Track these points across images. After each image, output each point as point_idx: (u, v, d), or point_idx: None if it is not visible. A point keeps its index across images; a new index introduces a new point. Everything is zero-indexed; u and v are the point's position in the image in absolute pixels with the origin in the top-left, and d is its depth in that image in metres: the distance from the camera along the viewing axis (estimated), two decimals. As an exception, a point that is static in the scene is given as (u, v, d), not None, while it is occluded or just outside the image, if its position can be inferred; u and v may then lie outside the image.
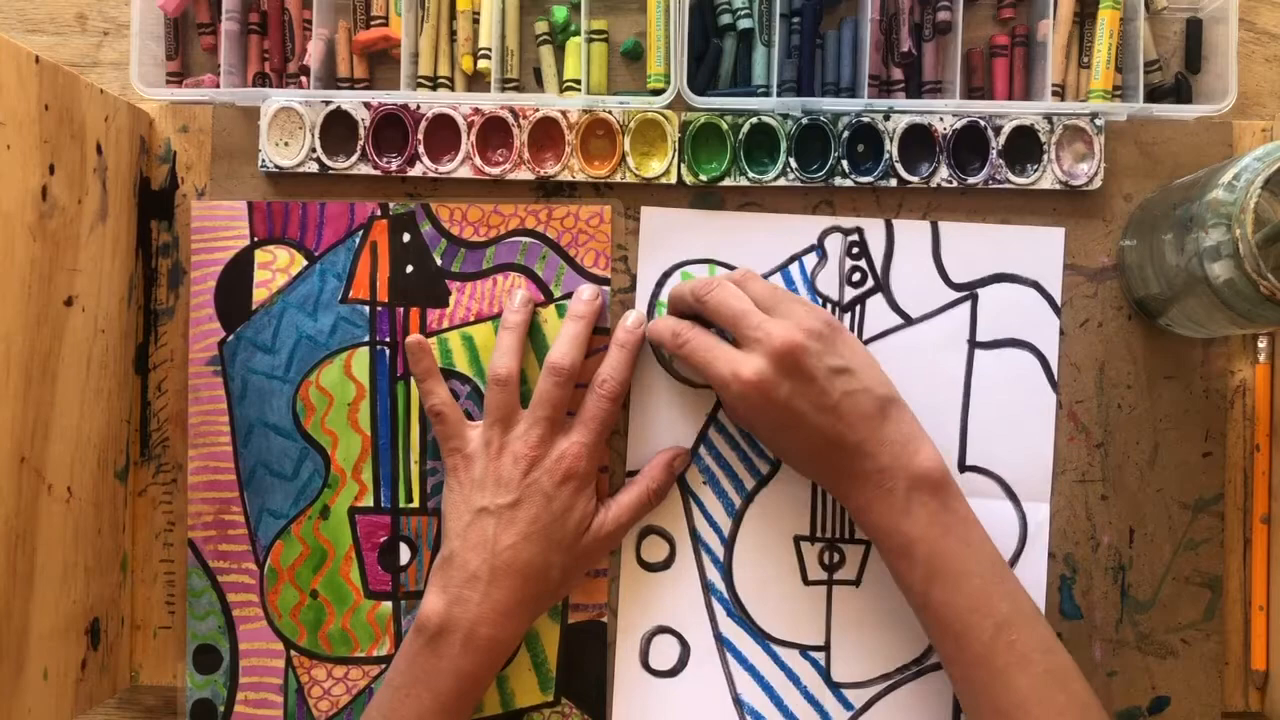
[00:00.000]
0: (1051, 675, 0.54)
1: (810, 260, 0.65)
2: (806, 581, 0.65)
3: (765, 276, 0.65)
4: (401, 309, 0.66)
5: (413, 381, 0.65)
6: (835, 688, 0.65)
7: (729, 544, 0.65)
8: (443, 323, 0.66)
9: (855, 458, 0.57)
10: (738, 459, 0.65)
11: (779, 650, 0.65)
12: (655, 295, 0.66)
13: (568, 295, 0.65)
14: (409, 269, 0.66)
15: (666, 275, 0.66)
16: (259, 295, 0.66)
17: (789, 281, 0.65)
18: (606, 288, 0.66)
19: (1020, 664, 0.54)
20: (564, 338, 0.63)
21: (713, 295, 0.60)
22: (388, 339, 0.66)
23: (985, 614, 0.55)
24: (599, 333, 0.65)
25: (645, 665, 0.65)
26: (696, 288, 0.61)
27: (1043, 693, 0.54)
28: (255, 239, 0.67)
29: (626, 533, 0.65)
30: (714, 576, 0.65)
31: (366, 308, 0.66)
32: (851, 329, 0.65)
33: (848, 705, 0.65)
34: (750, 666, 0.65)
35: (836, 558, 0.65)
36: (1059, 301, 0.65)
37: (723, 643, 0.65)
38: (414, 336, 0.64)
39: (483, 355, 0.65)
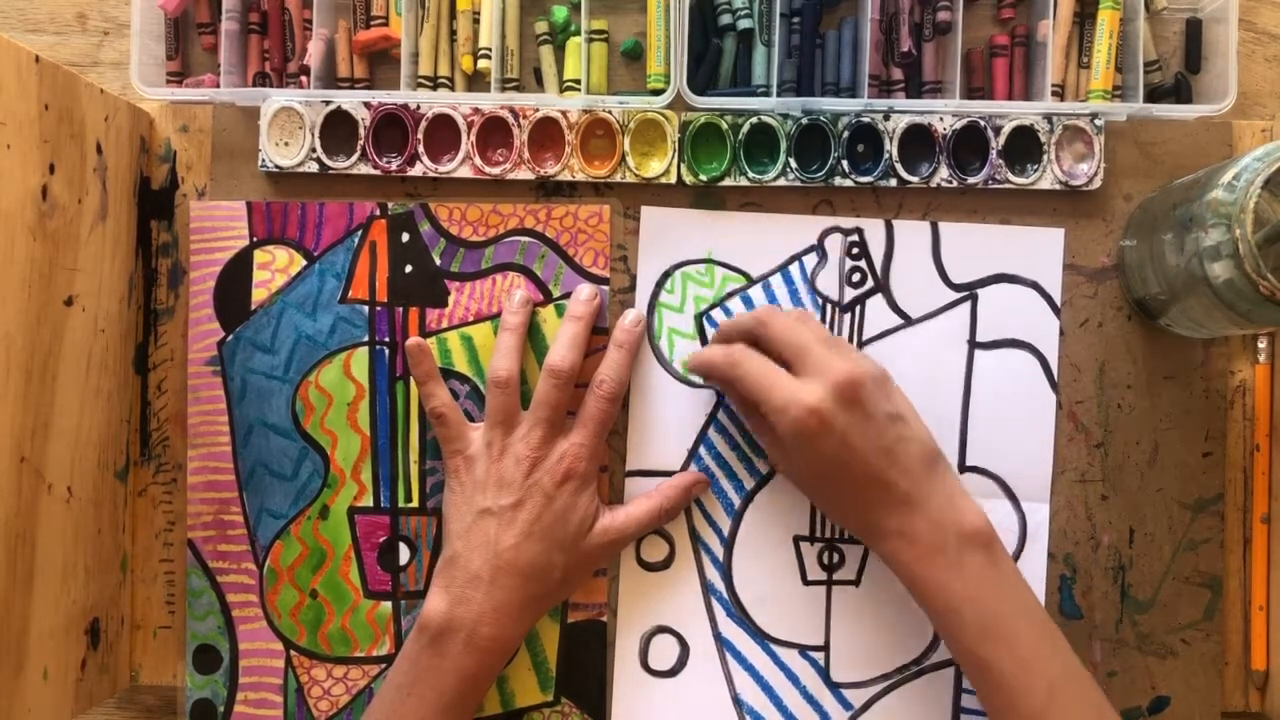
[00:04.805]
0: None
1: (810, 260, 0.65)
2: (806, 581, 0.65)
3: (765, 277, 0.65)
4: (400, 309, 0.66)
5: (412, 381, 0.65)
6: (834, 688, 0.65)
7: (729, 544, 0.65)
8: (442, 323, 0.66)
9: (902, 508, 0.56)
10: (737, 459, 0.65)
11: (778, 650, 0.65)
12: (655, 295, 0.66)
13: (567, 295, 0.65)
14: (408, 269, 0.66)
15: (667, 275, 0.66)
16: (258, 295, 0.66)
17: (789, 282, 0.65)
18: (605, 287, 0.66)
19: None
20: (562, 339, 0.63)
21: (778, 321, 0.59)
22: (387, 339, 0.66)
23: (1039, 674, 0.54)
24: (599, 332, 0.65)
25: (645, 665, 0.65)
26: (759, 313, 0.61)
27: None
28: (254, 239, 0.67)
29: (630, 542, 0.65)
30: (713, 576, 0.65)
31: (365, 308, 0.66)
32: (851, 329, 0.65)
33: (847, 705, 0.65)
34: (750, 666, 0.65)
35: (836, 558, 0.65)
36: (1059, 302, 0.65)
37: (722, 643, 0.65)
38: (414, 339, 0.64)
39: (482, 355, 0.65)
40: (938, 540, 0.56)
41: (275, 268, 0.66)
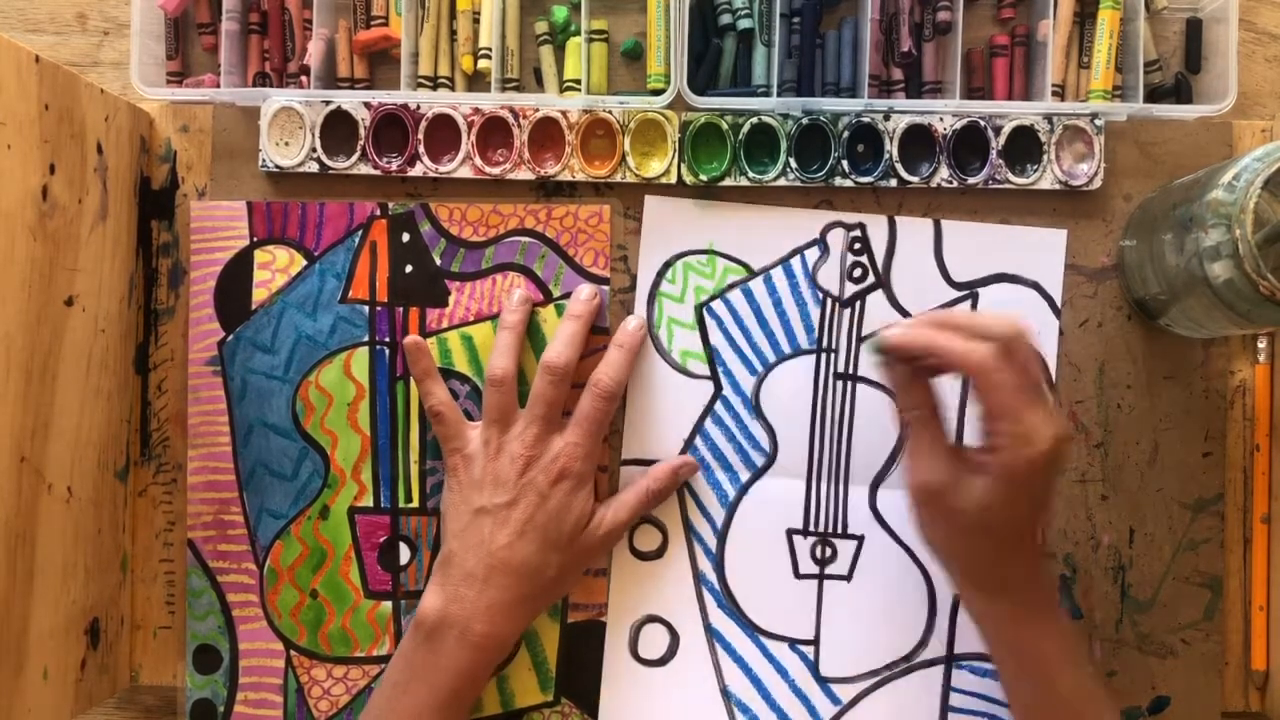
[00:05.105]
0: None
1: (812, 254, 0.65)
2: (798, 575, 0.65)
3: (767, 269, 0.66)
4: (401, 309, 0.66)
5: (413, 381, 0.65)
6: (823, 682, 0.65)
7: (721, 535, 0.65)
8: (442, 322, 0.66)
9: (1032, 563, 0.56)
10: (733, 450, 0.65)
11: (768, 643, 0.65)
12: (656, 285, 0.66)
13: (567, 295, 0.65)
14: (408, 269, 0.66)
15: (668, 265, 0.66)
16: (258, 295, 0.66)
17: (790, 275, 0.65)
18: (605, 287, 0.66)
19: None
20: (560, 337, 0.63)
21: (1026, 347, 0.53)
22: (387, 339, 0.66)
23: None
24: (599, 332, 0.65)
25: (634, 654, 0.65)
26: (1019, 325, 0.53)
27: None
28: (255, 239, 0.67)
29: (625, 531, 0.65)
30: (706, 567, 0.65)
31: (366, 307, 0.66)
32: (851, 325, 0.65)
33: (835, 700, 0.65)
34: (739, 658, 0.65)
35: (829, 552, 0.65)
36: (1059, 304, 0.65)
37: (712, 634, 0.65)
38: (411, 337, 0.64)
39: (482, 355, 0.65)
40: (1048, 599, 0.56)
41: (275, 268, 0.66)
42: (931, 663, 0.64)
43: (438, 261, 0.66)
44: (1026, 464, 0.51)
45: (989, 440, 0.53)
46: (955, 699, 0.64)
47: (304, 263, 0.66)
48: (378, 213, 0.66)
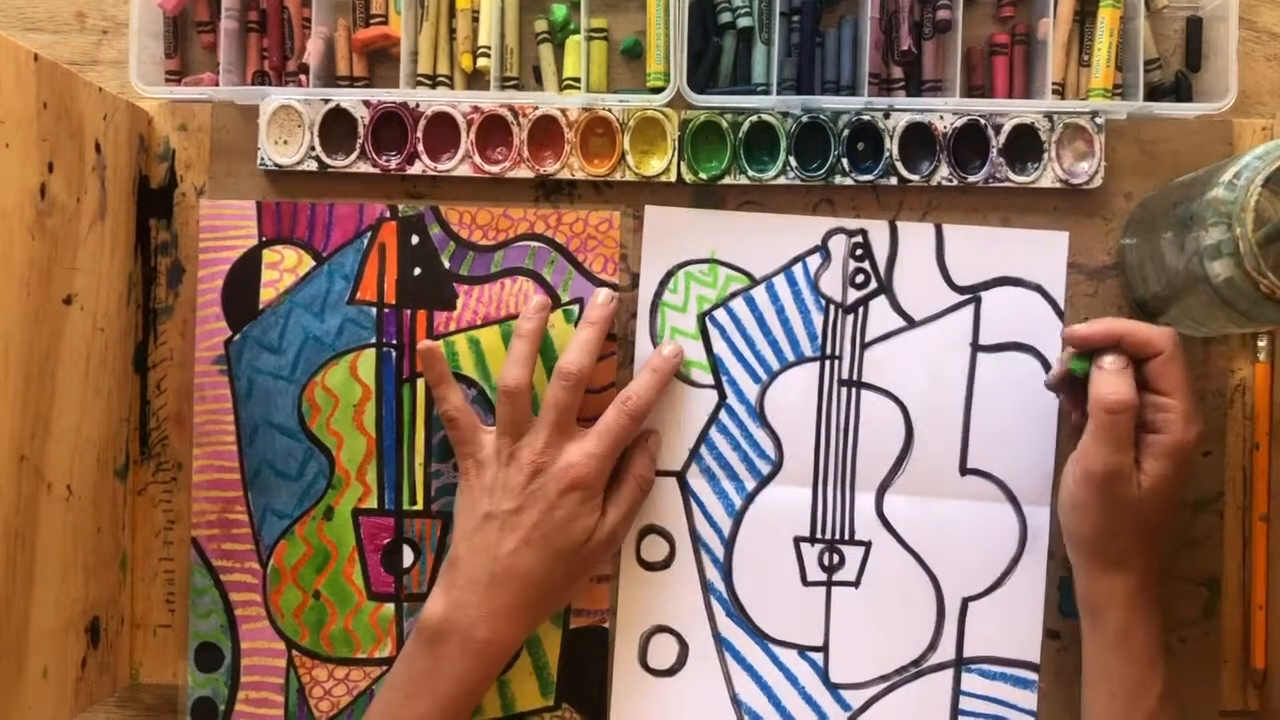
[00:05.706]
0: None
1: (814, 261, 0.65)
2: (806, 582, 0.65)
3: (769, 277, 0.66)
4: (409, 311, 0.66)
5: (419, 384, 0.65)
6: (833, 688, 0.65)
7: (729, 544, 0.65)
8: (450, 326, 0.66)
9: (1155, 556, 0.59)
10: (739, 459, 0.65)
11: (777, 651, 0.65)
12: (658, 294, 0.66)
13: (574, 300, 0.65)
14: (417, 271, 0.66)
15: (670, 274, 0.66)
16: (266, 295, 0.66)
17: (792, 282, 0.65)
18: (616, 293, 0.66)
19: None
20: (575, 343, 0.62)
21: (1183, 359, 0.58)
22: (394, 341, 0.66)
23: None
24: (608, 339, 0.65)
25: (644, 664, 0.65)
26: (1170, 330, 0.58)
27: None
28: (264, 238, 0.66)
29: (627, 531, 0.64)
30: (713, 576, 0.65)
31: (373, 309, 0.66)
32: (854, 331, 0.65)
33: (845, 706, 0.65)
34: (749, 666, 0.65)
35: (836, 559, 0.65)
36: (1062, 306, 0.65)
37: (721, 643, 0.65)
38: (426, 342, 0.64)
39: (489, 359, 0.65)
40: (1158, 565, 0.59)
41: (284, 268, 0.66)
42: (941, 666, 0.65)
43: (446, 264, 0.66)
44: (1195, 441, 0.56)
45: (1157, 423, 0.57)
46: (965, 702, 0.64)
47: (312, 263, 0.66)
48: (387, 214, 0.66)
